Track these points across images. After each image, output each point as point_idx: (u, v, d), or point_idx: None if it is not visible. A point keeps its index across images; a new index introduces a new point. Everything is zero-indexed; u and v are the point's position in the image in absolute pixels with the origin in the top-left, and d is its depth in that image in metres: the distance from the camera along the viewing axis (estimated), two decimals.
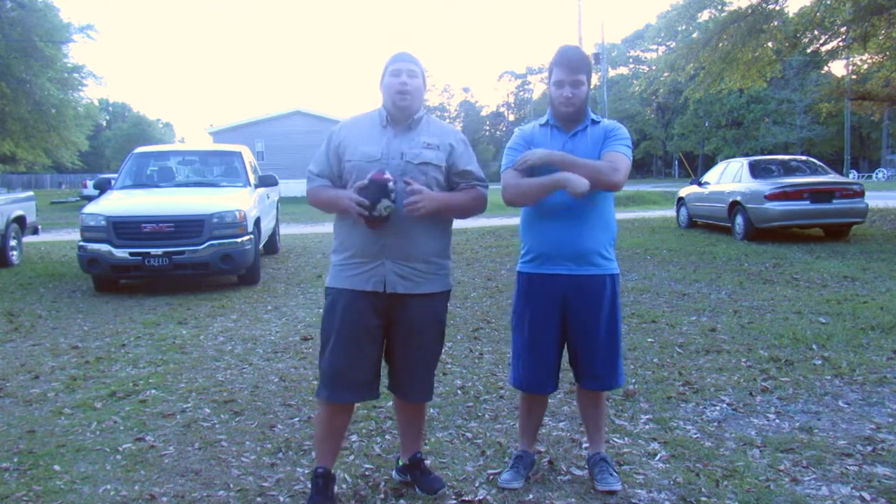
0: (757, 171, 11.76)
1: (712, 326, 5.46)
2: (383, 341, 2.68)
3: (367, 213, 2.47)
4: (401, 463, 2.92)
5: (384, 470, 3.02)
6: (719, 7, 16.12)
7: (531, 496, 2.75)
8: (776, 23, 14.50)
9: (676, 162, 61.82)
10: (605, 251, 2.74)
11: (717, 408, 3.69)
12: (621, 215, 17.75)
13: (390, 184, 2.47)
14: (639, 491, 2.76)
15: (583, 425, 3.09)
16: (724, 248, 10.25)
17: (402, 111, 2.65)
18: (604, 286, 2.73)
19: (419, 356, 2.71)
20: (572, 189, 2.56)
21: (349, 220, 2.61)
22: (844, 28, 14.23)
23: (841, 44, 14.98)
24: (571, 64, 2.68)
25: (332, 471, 2.73)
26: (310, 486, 2.75)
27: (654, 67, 27.20)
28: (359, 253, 2.61)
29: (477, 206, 2.73)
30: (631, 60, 67.67)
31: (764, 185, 10.96)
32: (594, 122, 2.78)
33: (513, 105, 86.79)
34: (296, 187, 24.55)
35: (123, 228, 7.49)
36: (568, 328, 2.77)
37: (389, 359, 2.73)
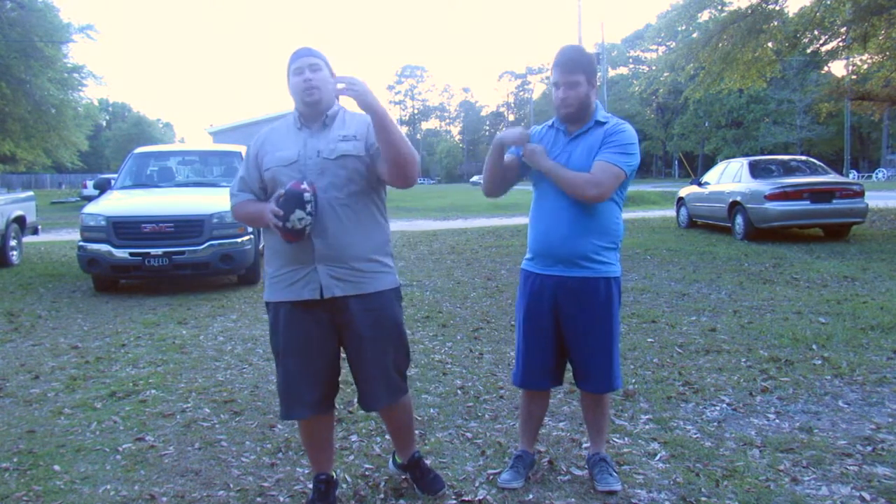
0: (757, 171, 11.77)
1: (712, 326, 5.46)
2: (334, 352, 2.57)
3: (281, 224, 2.35)
4: (399, 460, 2.89)
5: (384, 470, 3.01)
6: (719, 7, 16.10)
7: (531, 496, 2.75)
8: (776, 23, 14.50)
9: (676, 162, 61.83)
10: (599, 254, 2.68)
11: (717, 408, 3.69)
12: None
13: (306, 195, 2.34)
14: (639, 491, 2.76)
15: (583, 425, 3.09)
16: (724, 248, 10.25)
17: (312, 107, 2.51)
18: (596, 289, 2.69)
19: (376, 360, 2.54)
20: (511, 143, 2.70)
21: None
22: (844, 28, 14.23)
23: (841, 44, 14.98)
24: (566, 65, 2.66)
25: (333, 475, 2.72)
26: (311, 487, 2.75)
27: (654, 67, 27.20)
28: (290, 261, 2.48)
29: (409, 150, 2.41)
30: (631, 60, 67.73)
31: (764, 185, 10.96)
32: (599, 124, 2.71)
33: (513, 105, 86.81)
34: None
35: (123, 228, 7.49)
36: (562, 329, 2.77)
37: (350, 369, 2.61)
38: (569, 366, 2.89)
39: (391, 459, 2.97)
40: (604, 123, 2.71)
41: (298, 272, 2.47)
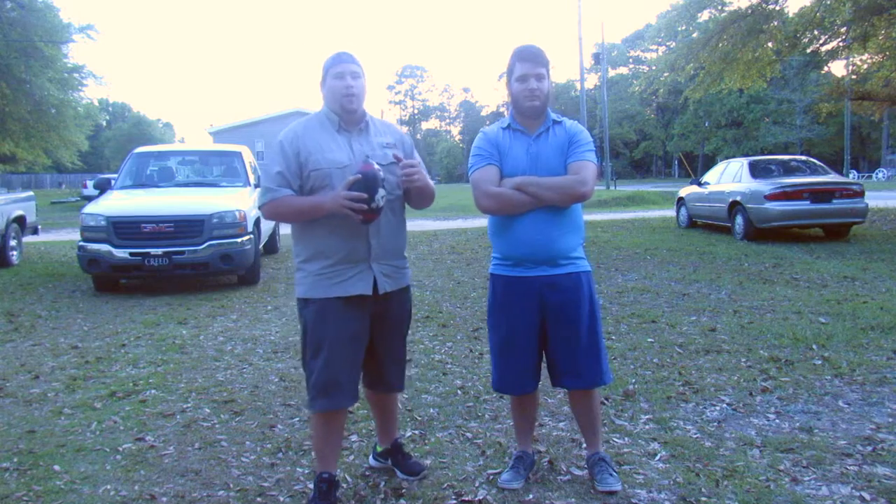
0: (757, 171, 11.76)
1: (712, 326, 5.46)
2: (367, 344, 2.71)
3: (367, 207, 2.44)
4: (379, 449, 3.00)
5: (384, 470, 3.01)
6: (719, 7, 16.09)
7: (531, 496, 2.75)
8: (776, 23, 14.49)
9: (676, 162, 61.81)
10: (575, 252, 2.77)
11: (717, 408, 3.69)
12: (621, 215, 17.78)
13: (381, 173, 2.48)
14: (639, 491, 2.76)
15: (578, 427, 3.09)
16: (724, 248, 10.24)
17: (350, 114, 2.64)
18: (580, 283, 2.75)
19: (401, 347, 2.84)
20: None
21: (325, 228, 2.57)
22: (844, 28, 14.22)
23: (841, 44, 14.97)
24: (533, 57, 2.70)
25: (336, 476, 2.73)
26: (311, 487, 2.75)
27: (654, 67, 27.15)
28: (343, 259, 2.59)
29: (432, 192, 2.81)
30: (631, 60, 67.67)
31: (764, 185, 10.96)
32: (556, 123, 2.79)
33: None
34: None
35: (123, 228, 7.50)
36: (547, 328, 2.77)
37: (370, 355, 2.74)
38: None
39: (371, 455, 3.07)
40: (560, 123, 2.80)
41: (351, 269, 2.60)
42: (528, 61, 2.69)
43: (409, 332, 3.00)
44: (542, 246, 2.70)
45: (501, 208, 2.73)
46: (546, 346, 2.82)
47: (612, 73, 62.43)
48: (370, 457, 3.08)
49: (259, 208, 2.70)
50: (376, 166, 2.48)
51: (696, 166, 54.56)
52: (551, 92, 2.79)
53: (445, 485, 2.85)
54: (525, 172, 2.70)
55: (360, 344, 2.65)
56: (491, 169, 2.74)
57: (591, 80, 61.50)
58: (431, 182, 2.76)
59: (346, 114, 2.63)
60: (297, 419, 3.68)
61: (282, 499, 2.79)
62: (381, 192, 2.46)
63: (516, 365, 2.81)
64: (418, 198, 2.77)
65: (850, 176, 36.59)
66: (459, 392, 4.05)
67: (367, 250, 2.60)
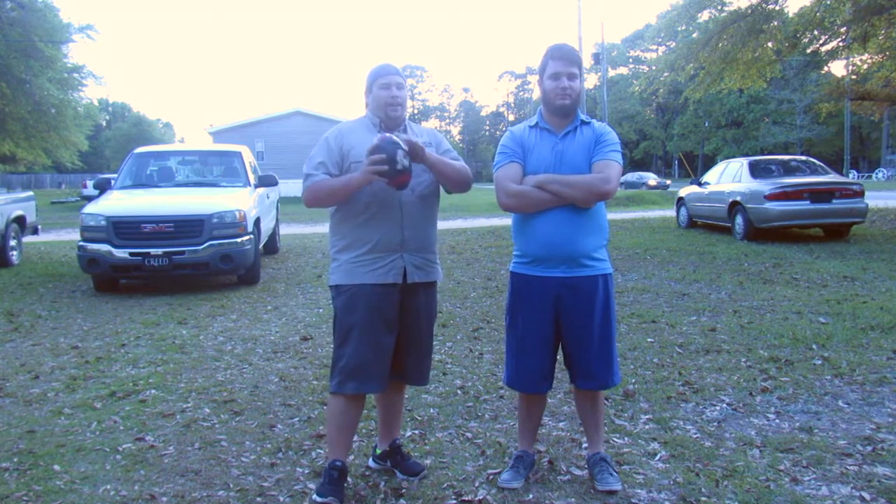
0: (757, 171, 11.77)
1: (712, 326, 5.46)
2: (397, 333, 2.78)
3: (389, 168, 2.51)
4: (378, 451, 3.04)
5: (384, 470, 3.01)
6: (719, 7, 16.08)
7: (531, 496, 2.75)
8: (776, 23, 14.49)
9: (676, 162, 61.80)
10: (597, 253, 2.75)
11: (717, 408, 3.69)
12: (621, 215, 17.76)
13: (395, 136, 2.58)
14: (639, 491, 2.76)
15: (582, 425, 3.09)
16: (724, 248, 10.24)
17: (394, 121, 2.80)
18: (596, 286, 2.74)
19: (426, 342, 2.89)
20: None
21: (362, 217, 2.70)
22: (844, 28, 14.23)
23: (841, 44, 14.98)
24: (566, 56, 2.70)
25: (347, 467, 2.78)
26: (312, 486, 2.76)
27: (654, 67, 27.14)
28: (378, 247, 2.70)
29: (467, 177, 2.88)
30: (631, 60, 67.69)
31: (764, 185, 10.96)
32: (584, 123, 2.79)
33: (513, 105, 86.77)
34: (295, 187, 24.43)
35: (123, 228, 7.49)
36: (562, 329, 2.77)
37: (401, 350, 2.82)
38: (560, 367, 2.89)
39: (371, 458, 3.08)
40: (588, 123, 2.79)
41: (384, 258, 2.71)
42: (561, 59, 2.70)
43: None
44: (560, 246, 2.69)
45: (521, 206, 2.73)
46: (561, 346, 2.82)
47: (612, 73, 62.46)
48: (370, 459, 3.09)
49: (302, 195, 2.81)
50: (389, 134, 2.59)
51: (696, 166, 54.57)
52: (581, 92, 2.79)
53: (445, 485, 2.85)
54: (549, 170, 2.69)
55: (389, 332, 2.73)
56: (514, 167, 2.75)
57: (591, 80, 61.55)
58: (466, 167, 2.90)
59: (390, 120, 2.79)
60: (297, 419, 3.68)
61: (282, 499, 2.79)
62: (401, 153, 2.53)
63: (530, 363, 2.81)
64: (454, 180, 2.84)
65: (850, 176, 36.60)
66: (459, 392, 4.05)
67: (400, 240, 2.71)
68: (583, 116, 2.80)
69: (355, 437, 3.38)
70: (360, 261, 2.71)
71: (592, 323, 2.73)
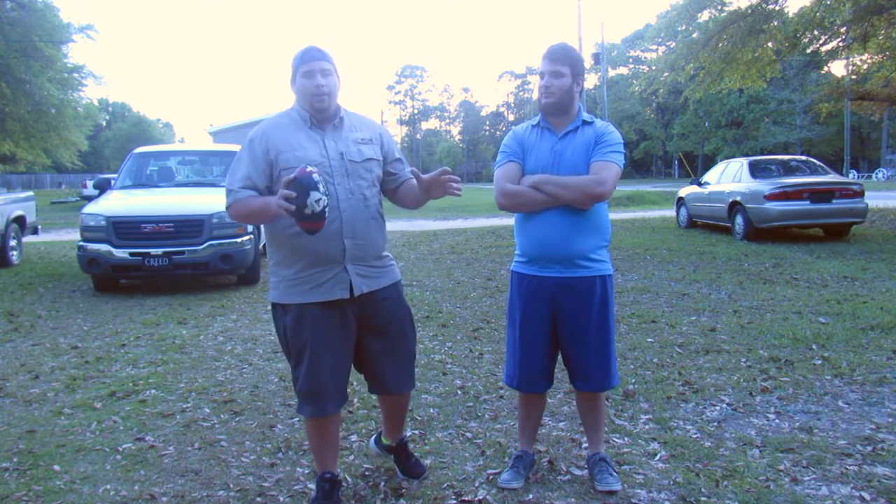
0: (757, 171, 11.77)
1: (712, 326, 5.46)
2: (354, 347, 2.63)
3: (295, 210, 2.23)
4: (385, 441, 2.99)
5: (384, 470, 3.01)
6: (719, 7, 16.08)
7: (531, 496, 2.75)
8: (776, 23, 14.49)
9: (676, 162, 61.80)
10: (594, 253, 2.71)
11: (717, 408, 3.69)
12: (621, 215, 17.76)
13: (315, 175, 2.27)
14: (639, 491, 2.76)
15: (582, 425, 3.09)
16: (724, 248, 10.24)
17: (322, 113, 2.53)
18: (593, 287, 2.71)
19: (402, 346, 2.71)
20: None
21: (295, 228, 2.39)
22: (844, 28, 14.22)
23: (841, 44, 14.97)
24: (552, 55, 2.70)
25: (338, 475, 2.72)
26: (312, 487, 2.75)
27: (654, 67, 27.13)
28: (315, 262, 2.48)
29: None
30: (631, 60, 67.66)
31: (764, 185, 10.96)
32: (586, 123, 2.76)
33: (513, 105, 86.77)
34: None
35: (123, 228, 7.49)
36: (559, 329, 2.77)
37: (365, 359, 2.68)
38: (561, 367, 2.89)
39: (374, 438, 3.06)
40: (591, 123, 2.77)
41: (326, 272, 2.49)
42: (547, 58, 2.70)
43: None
44: (555, 246, 2.68)
45: (517, 206, 2.72)
46: (560, 346, 2.82)
47: (612, 73, 62.47)
48: (372, 440, 3.05)
49: (226, 210, 2.58)
50: (310, 169, 2.29)
51: (696, 166, 54.56)
52: (577, 90, 2.74)
53: (445, 485, 2.85)
54: (546, 170, 2.68)
55: (343, 348, 2.56)
56: (512, 166, 2.74)
57: (591, 80, 61.53)
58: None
59: (317, 113, 2.53)
60: (297, 419, 3.67)
61: (282, 499, 2.79)
62: (316, 195, 2.24)
63: (528, 363, 2.81)
64: (415, 199, 2.72)
65: (850, 176, 36.58)
66: (459, 392, 4.05)
67: (341, 251, 2.48)
68: (586, 116, 2.78)
69: (355, 437, 3.39)
70: (300, 278, 2.49)
71: (589, 324, 2.72)
